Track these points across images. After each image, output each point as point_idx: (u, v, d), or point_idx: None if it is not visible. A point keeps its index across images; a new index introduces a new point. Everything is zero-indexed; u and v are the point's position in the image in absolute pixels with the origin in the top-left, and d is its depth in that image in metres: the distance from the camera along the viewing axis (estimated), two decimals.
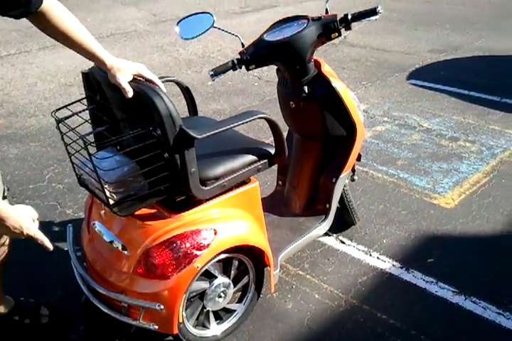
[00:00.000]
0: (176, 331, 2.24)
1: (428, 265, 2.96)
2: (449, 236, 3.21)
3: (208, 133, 2.01)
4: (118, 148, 2.24)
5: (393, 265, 2.96)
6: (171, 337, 2.44)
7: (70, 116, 2.02)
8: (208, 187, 2.17)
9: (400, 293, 2.76)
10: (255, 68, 2.46)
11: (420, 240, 3.17)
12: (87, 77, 2.16)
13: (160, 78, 2.06)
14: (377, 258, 3.02)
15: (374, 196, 3.59)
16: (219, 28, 2.45)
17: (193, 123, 2.19)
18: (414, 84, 5.67)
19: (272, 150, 2.36)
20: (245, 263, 2.45)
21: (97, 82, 2.11)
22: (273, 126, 2.24)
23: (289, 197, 2.94)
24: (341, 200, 2.99)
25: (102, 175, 1.97)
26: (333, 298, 2.74)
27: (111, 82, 1.95)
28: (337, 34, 2.41)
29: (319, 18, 2.42)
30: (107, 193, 2.03)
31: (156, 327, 2.16)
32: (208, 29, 2.46)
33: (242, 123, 2.13)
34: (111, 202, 2.06)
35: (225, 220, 2.28)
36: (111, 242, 2.28)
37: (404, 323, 2.56)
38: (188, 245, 2.15)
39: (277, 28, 2.53)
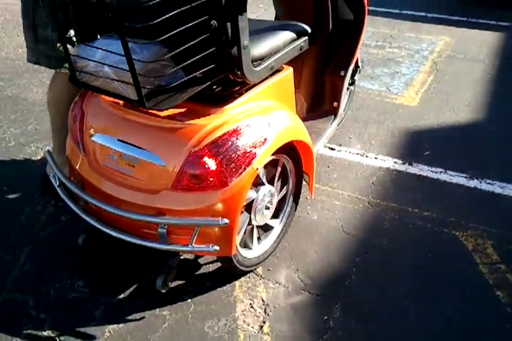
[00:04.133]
0: (234, 251, 1.81)
1: (427, 157, 2.81)
2: (430, 129, 3.10)
3: None
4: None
5: (395, 162, 2.77)
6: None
7: None
8: (258, 68, 1.74)
9: (417, 187, 2.58)
10: None
11: (406, 137, 3.01)
12: None
13: None
14: (375, 158, 2.80)
15: None
16: None
17: None
18: None
19: (309, 28, 2.03)
20: (285, 170, 2.07)
21: None
22: None
23: None
24: None
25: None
26: (355, 201, 2.48)
27: None
28: None
29: None
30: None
31: (217, 248, 1.70)
32: None
33: None
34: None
35: (272, 112, 1.87)
36: (130, 156, 1.73)
37: (437, 213, 2.40)
38: (245, 142, 1.70)
39: None
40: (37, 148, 2.88)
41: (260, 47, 1.79)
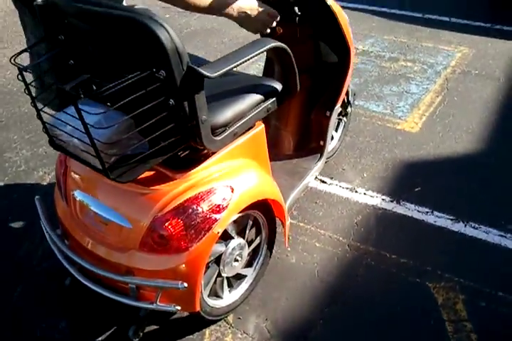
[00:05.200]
0: (198, 308, 1.91)
1: (417, 194, 2.82)
2: (426, 161, 3.09)
3: (222, 71, 1.59)
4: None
5: (383, 199, 2.79)
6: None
7: (36, 64, 1.49)
8: (219, 137, 1.78)
9: (400, 229, 2.60)
10: None
11: (400, 169, 3.02)
12: (45, 9, 1.59)
13: None
14: (364, 194, 2.83)
15: None
16: None
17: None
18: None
19: (279, 87, 1.98)
20: (258, 221, 2.14)
21: (61, 14, 1.56)
22: (285, 56, 1.85)
23: (278, 138, 2.60)
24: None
25: (93, 133, 1.51)
26: (335, 243, 2.53)
27: (87, 12, 1.43)
28: None
29: None
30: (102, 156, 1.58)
31: (179, 307, 1.81)
32: None
33: (256, 55, 1.71)
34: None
35: (238, 174, 1.92)
36: (102, 215, 1.84)
37: (415, 260, 2.42)
38: (205, 208, 1.77)
39: None
40: (44, 174, 3.02)
41: (223, 115, 1.80)
